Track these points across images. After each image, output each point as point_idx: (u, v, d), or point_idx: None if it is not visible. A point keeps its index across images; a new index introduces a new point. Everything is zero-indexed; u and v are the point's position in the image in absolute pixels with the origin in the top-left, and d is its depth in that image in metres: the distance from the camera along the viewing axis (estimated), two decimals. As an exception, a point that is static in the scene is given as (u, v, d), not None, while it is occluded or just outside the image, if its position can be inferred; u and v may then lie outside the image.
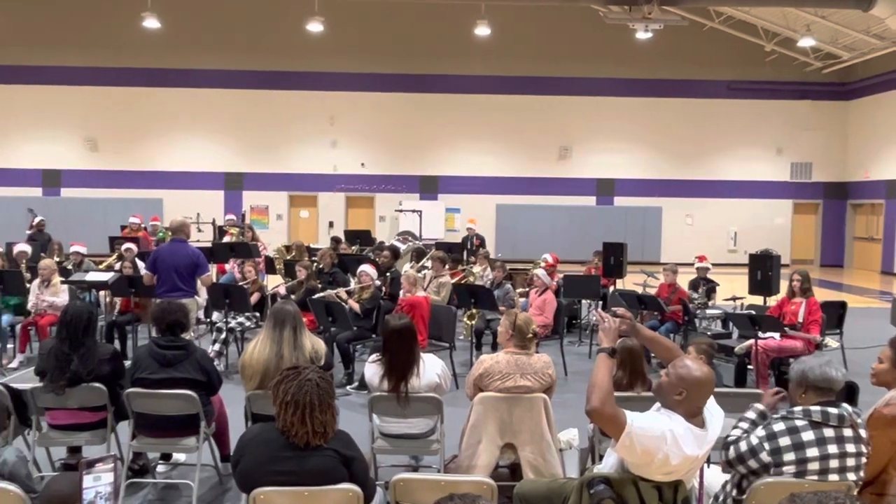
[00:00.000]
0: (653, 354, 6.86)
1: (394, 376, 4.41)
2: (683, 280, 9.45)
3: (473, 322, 8.63)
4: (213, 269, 10.56)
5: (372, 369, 4.53)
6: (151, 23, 17.99)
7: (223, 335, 8.00)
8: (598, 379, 2.90)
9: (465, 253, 13.92)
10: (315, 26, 18.23)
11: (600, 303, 9.94)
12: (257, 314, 8.64)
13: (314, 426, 2.95)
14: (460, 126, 21.22)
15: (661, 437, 2.80)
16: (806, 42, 18.69)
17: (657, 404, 3.05)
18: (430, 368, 4.51)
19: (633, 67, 20.78)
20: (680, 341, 8.00)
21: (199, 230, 15.23)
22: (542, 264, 9.94)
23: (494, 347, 8.26)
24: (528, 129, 21.27)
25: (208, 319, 8.94)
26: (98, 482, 1.72)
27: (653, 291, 9.56)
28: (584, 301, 10.46)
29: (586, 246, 16.00)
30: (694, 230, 21.43)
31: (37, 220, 13.72)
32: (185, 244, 7.07)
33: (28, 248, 10.12)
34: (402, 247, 12.79)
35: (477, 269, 10.65)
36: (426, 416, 4.53)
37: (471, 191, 21.21)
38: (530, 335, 4.51)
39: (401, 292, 7.96)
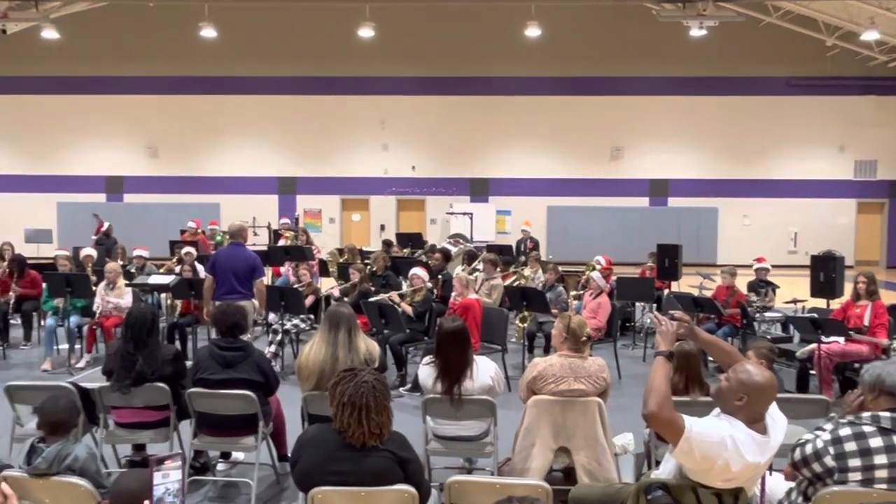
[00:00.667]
0: (710, 358, 6.72)
1: (447, 378, 4.43)
2: (741, 282, 9.22)
3: (525, 325, 8.60)
4: (268, 272, 10.78)
5: (426, 371, 4.56)
6: (208, 32, 18.50)
7: (279, 337, 8.17)
8: (655, 383, 2.86)
9: (518, 255, 13.89)
10: (366, 32, 18.45)
11: (654, 305, 9.79)
12: (312, 316, 8.79)
13: (370, 427, 2.99)
14: (511, 128, 21.16)
15: (720, 443, 2.74)
16: (869, 35, 18.00)
17: (717, 409, 2.99)
18: (484, 371, 4.52)
19: (687, 65, 20.38)
20: (738, 345, 7.81)
21: (255, 234, 15.54)
22: (597, 267, 9.84)
23: (547, 350, 8.23)
24: (579, 129, 21.08)
25: (264, 321, 9.13)
26: (167, 479, 1.77)
27: (709, 294, 9.36)
28: (637, 304, 10.32)
29: (639, 248, 15.77)
30: (752, 231, 20.88)
31: (105, 225, 14.21)
32: (242, 248, 7.23)
33: (94, 252, 10.49)
34: (454, 249, 12.83)
35: (528, 271, 10.61)
36: (479, 419, 4.53)
37: (522, 193, 21.13)
38: (584, 338, 4.47)
39: (453, 295, 7.99)
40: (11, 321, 9.50)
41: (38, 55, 20.49)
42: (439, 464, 4.97)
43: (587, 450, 4.33)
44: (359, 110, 21.21)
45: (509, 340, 8.44)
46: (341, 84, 21.08)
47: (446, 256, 10.90)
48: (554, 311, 8.27)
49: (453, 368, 4.44)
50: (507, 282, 9.80)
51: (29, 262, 9.95)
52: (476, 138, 21.25)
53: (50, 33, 18.34)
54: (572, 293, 9.71)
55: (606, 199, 21.03)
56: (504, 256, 12.20)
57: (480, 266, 10.02)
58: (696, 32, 16.60)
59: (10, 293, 9.30)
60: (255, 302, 7.15)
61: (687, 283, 11.33)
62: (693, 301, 8.59)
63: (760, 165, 21.08)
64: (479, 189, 21.43)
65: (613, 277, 9.98)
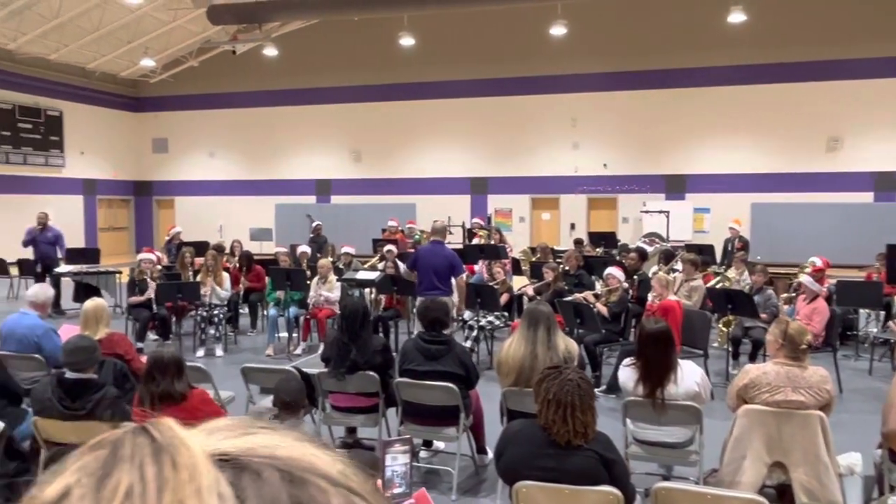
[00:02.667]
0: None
1: (649, 382, 4.30)
2: None
3: (729, 329, 8.12)
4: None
5: (626, 373, 4.47)
6: (407, 41, 19.45)
7: (474, 333, 8.40)
8: (896, 398, 2.58)
9: (724, 255, 13.15)
10: (558, 30, 18.38)
11: (882, 313, 8.80)
12: (506, 314, 8.93)
13: (575, 426, 2.99)
14: (709, 121, 19.99)
15: (980, 471, 2.41)
16: None
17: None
18: (689, 376, 4.34)
19: (923, 42, 18.01)
20: None
21: (450, 233, 16.08)
22: (808, 268, 9.02)
23: (753, 357, 7.70)
24: (788, 120, 19.40)
25: (460, 317, 9.42)
26: (395, 462, 1.91)
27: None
28: (861, 310, 9.32)
29: (863, 248, 14.22)
30: None
31: (315, 224, 15.46)
32: (442, 246, 7.54)
33: (308, 249, 11.48)
34: (649, 249, 12.39)
35: (733, 273, 9.97)
36: (684, 425, 4.36)
37: (722, 189, 19.87)
38: (803, 346, 4.13)
39: (649, 295, 7.73)
40: (241, 310, 10.67)
41: (260, 71, 22.79)
42: (637, 469, 4.85)
43: (806, 467, 4.00)
44: (549, 109, 21.17)
45: (711, 345, 8.00)
46: (532, 84, 21.16)
47: (642, 256, 10.55)
48: (763, 315, 7.73)
49: (656, 371, 4.30)
50: (709, 283, 9.29)
51: (254, 258, 11.12)
52: (671, 133, 20.34)
53: (270, 51, 20.31)
54: (782, 296, 8.98)
55: (821, 195, 19.13)
56: (703, 256, 11.57)
57: (678, 266, 9.59)
58: (935, 4, 14.62)
59: (240, 285, 10.43)
60: (455, 298, 7.40)
61: (923, 289, 10.02)
62: (932, 309, 7.60)
63: None
64: (675, 186, 20.49)
65: (830, 281, 9.09)
